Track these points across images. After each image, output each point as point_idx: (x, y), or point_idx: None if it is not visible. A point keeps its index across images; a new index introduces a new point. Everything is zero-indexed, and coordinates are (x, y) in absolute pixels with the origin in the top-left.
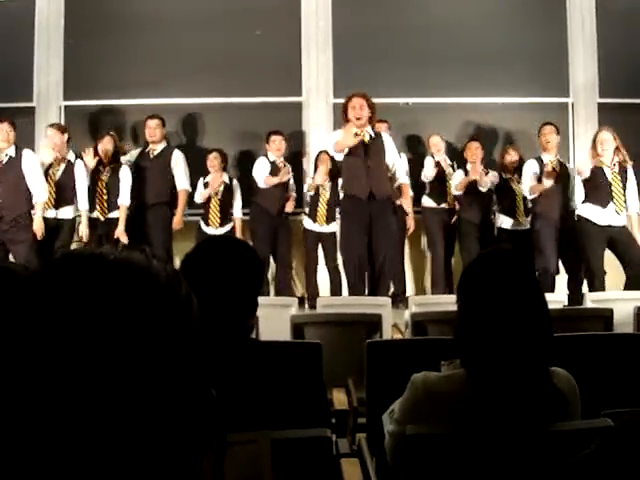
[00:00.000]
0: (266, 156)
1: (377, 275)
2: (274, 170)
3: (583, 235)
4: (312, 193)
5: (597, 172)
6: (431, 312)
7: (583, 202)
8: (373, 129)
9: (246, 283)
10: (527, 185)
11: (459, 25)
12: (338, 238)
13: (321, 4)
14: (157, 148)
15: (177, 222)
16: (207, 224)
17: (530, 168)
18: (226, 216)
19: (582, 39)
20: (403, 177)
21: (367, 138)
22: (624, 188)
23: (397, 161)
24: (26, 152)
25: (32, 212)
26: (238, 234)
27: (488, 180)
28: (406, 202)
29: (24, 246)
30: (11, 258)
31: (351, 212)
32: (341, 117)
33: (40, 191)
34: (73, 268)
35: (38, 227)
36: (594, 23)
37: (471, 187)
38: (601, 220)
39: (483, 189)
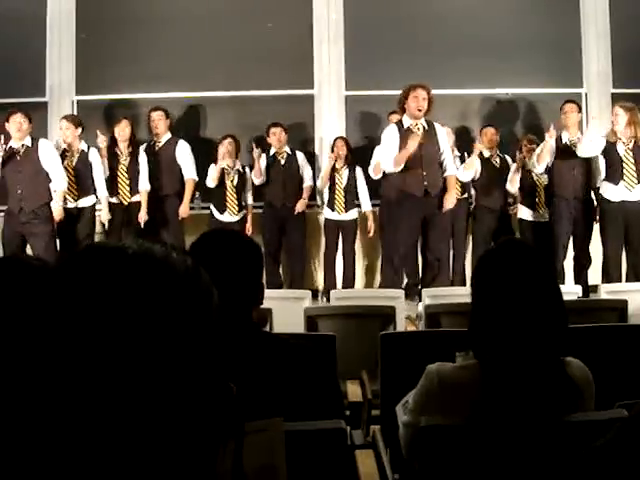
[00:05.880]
0: (268, 150)
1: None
2: (275, 162)
3: (603, 215)
4: (326, 185)
5: (611, 148)
6: (444, 304)
7: (603, 180)
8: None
9: (243, 271)
10: (534, 158)
11: (471, 16)
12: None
13: None
14: (161, 140)
15: (183, 211)
16: (222, 212)
17: (542, 145)
18: (241, 204)
19: (596, 29)
20: (450, 168)
21: (422, 131)
22: (636, 164)
23: (447, 152)
24: (42, 142)
25: (52, 203)
26: (249, 222)
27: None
28: (449, 198)
29: (42, 238)
30: (29, 250)
31: (404, 207)
32: (397, 105)
33: (59, 179)
34: (95, 261)
35: (57, 214)
36: (607, 13)
37: (490, 174)
38: (615, 196)
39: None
